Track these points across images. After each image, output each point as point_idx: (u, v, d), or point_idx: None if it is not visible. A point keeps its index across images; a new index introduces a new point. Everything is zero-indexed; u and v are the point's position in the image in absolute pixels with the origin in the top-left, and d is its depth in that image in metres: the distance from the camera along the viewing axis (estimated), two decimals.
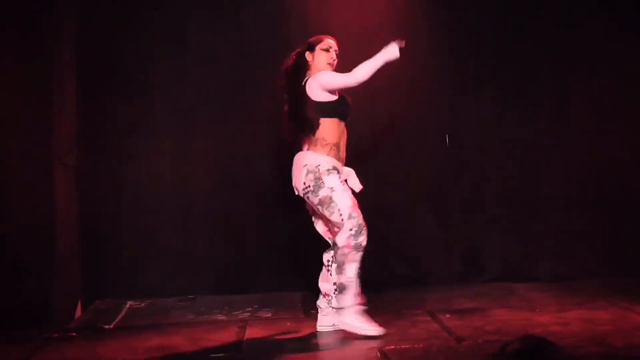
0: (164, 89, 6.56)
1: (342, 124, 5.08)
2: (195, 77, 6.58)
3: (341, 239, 4.91)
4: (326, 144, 4.98)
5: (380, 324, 5.01)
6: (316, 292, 6.31)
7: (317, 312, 5.26)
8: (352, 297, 4.97)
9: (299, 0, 6.60)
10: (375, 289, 5.19)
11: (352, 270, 4.94)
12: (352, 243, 4.89)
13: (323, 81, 4.95)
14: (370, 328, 4.97)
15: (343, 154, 5.10)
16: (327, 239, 5.23)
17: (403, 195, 6.71)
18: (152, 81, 6.54)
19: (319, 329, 5.19)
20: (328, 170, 4.94)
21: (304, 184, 4.96)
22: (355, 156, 6.55)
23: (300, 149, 5.10)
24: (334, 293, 5.06)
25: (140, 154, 6.56)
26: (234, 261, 6.59)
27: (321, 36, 5.19)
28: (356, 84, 4.90)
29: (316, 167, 4.93)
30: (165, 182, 6.58)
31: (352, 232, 4.88)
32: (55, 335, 5.33)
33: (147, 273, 6.50)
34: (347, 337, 4.99)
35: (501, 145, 6.76)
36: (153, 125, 6.57)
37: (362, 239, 4.90)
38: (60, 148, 6.01)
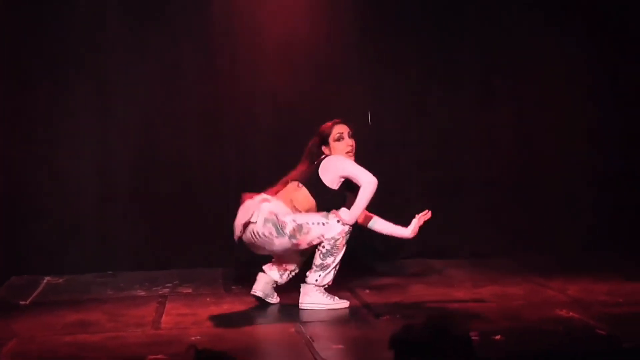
0: (84, 67, 6.46)
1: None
2: (116, 57, 6.49)
3: (334, 231, 4.94)
4: (295, 209, 5.05)
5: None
6: (237, 268, 6.35)
7: (240, 288, 5.26)
8: (331, 277, 5.04)
9: None
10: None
11: (341, 255, 5.00)
12: (345, 229, 4.96)
13: (340, 168, 5.09)
14: (339, 302, 5.10)
15: None
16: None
17: None
18: (72, 59, 6.43)
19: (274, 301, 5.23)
20: (284, 213, 4.99)
21: (262, 234, 4.95)
22: (276, 136, 6.59)
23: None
24: (315, 272, 5.03)
25: (60, 131, 6.45)
26: (154, 237, 6.54)
27: (329, 124, 5.22)
28: (365, 182, 5.06)
29: (275, 215, 4.96)
30: (85, 159, 6.49)
31: (340, 222, 4.95)
32: None
33: (66, 249, 6.42)
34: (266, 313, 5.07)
35: (422, 126, 6.84)
36: (73, 103, 6.47)
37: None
38: None
